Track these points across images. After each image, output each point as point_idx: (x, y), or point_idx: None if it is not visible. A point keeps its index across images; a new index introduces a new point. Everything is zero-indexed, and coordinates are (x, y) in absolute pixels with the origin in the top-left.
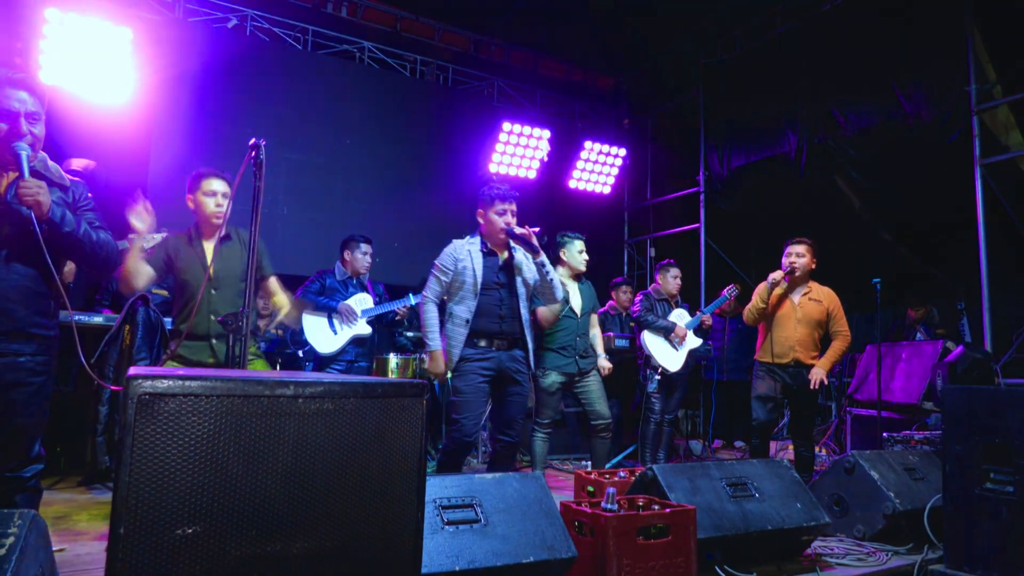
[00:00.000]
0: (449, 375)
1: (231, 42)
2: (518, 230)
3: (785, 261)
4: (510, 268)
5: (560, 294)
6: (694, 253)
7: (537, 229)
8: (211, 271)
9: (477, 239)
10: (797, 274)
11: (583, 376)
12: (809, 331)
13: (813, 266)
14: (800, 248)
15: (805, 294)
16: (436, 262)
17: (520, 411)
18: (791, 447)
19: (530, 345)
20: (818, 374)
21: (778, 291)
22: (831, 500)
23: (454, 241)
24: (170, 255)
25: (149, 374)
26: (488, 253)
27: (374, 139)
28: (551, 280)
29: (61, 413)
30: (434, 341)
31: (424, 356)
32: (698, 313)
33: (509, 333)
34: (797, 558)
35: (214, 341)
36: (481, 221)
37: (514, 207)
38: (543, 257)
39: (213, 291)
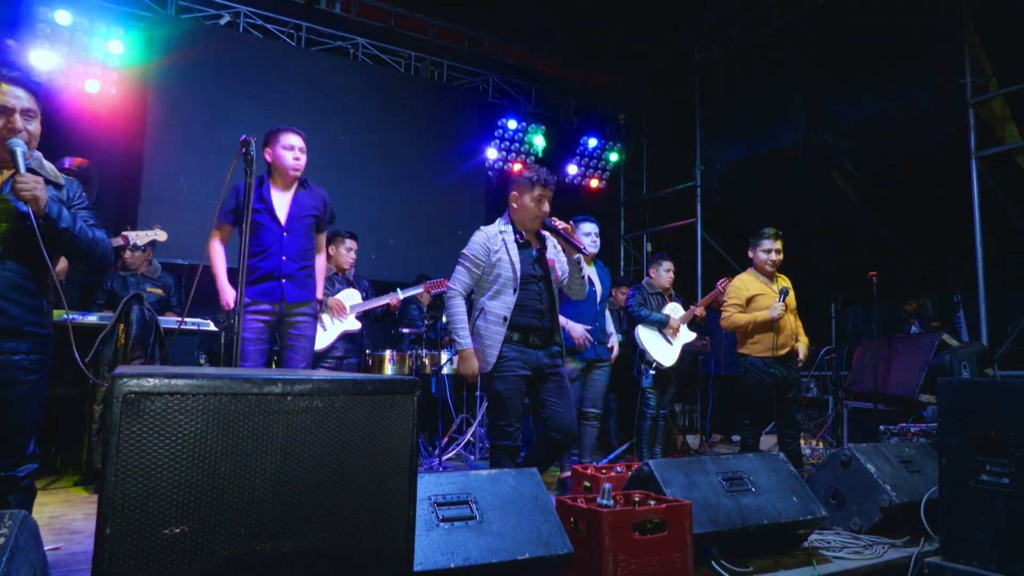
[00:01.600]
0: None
1: (224, 39)
2: (560, 225)
3: (766, 257)
4: (543, 259)
5: (587, 291)
6: (691, 248)
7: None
8: (283, 218)
9: (509, 227)
10: (775, 269)
11: (600, 364)
12: (794, 318)
13: None
14: (779, 244)
15: (780, 283)
16: (466, 252)
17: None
18: (781, 436)
19: (562, 339)
20: (804, 349)
21: (764, 288)
22: (828, 493)
23: (483, 229)
24: (239, 201)
25: (135, 372)
26: (523, 244)
27: (369, 136)
28: (584, 276)
29: (57, 413)
30: (465, 339)
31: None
32: (692, 307)
33: (549, 328)
34: (794, 552)
35: (284, 281)
36: (515, 205)
37: (551, 194)
38: (580, 254)
39: (285, 234)
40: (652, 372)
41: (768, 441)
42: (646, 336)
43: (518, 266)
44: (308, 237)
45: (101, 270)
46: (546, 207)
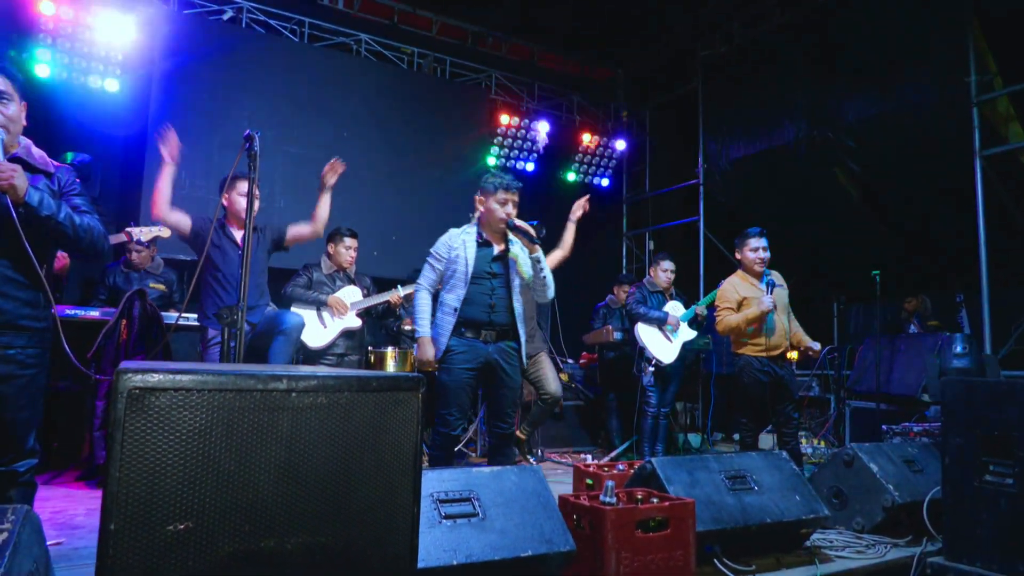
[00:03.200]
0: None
1: (226, 34)
2: (518, 223)
3: (754, 256)
4: (505, 260)
5: (552, 292)
6: (693, 246)
7: (535, 222)
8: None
9: (474, 228)
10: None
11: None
12: (787, 317)
13: None
14: (765, 242)
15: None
16: (431, 250)
17: (511, 402)
18: (780, 437)
19: (522, 338)
20: (816, 344)
21: (754, 290)
22: (830, 493)
23: (450, 229)
24: (200, 228)
25: (139, 368)
26: (483, 243)
27: (371, 132)
28: (544, 276)
29: (59, 407)
30: (423, 327)
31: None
32: (693, 306)
33: (499, 324)
34: (796, 551)
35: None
36: (480, 208)
37: (516, 198)
38: (539, 252)
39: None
40: (652, 369)
41: (767, 440)
42: (646, 333)
43: (471, 262)
44: (256, 283)
45: (95, 257)
46: (510, 209)
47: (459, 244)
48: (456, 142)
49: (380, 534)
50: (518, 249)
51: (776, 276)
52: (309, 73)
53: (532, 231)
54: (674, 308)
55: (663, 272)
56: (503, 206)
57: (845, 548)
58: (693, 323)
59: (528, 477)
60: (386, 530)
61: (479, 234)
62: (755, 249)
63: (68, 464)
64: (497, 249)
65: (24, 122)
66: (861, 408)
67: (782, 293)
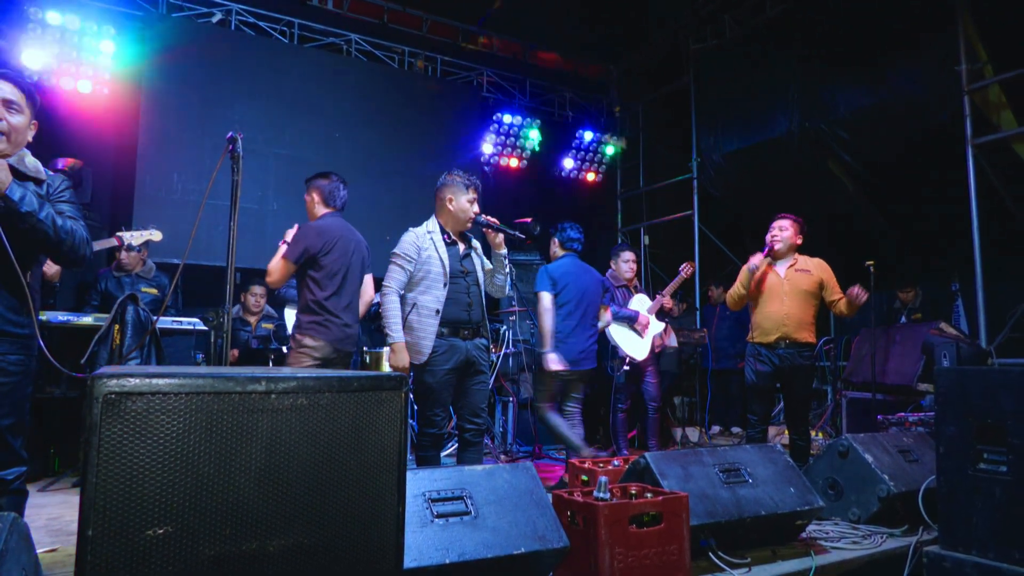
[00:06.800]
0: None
1: (216, 37)
2: (489, 219)
3: (767, 236)
4: (469, 256)
5: (509, 288)
6: (688, 240)
7: (530, 220)
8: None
9: (436, 226)
10: (778, 247)
11: None
12: (799, 304)
13: (798, 241)
14: (784, 223)
15: (791, 266)
16: (397, 251)
17: (485, 398)
18: (787, 432)
19: (489, 333)
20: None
21: (771, 270)
22: (826, 484)
23: (411, 229)
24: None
25: (115, 372)
26: (451, 242)
27: (363, 132)
28: (508, 272)
29: (56, 414)
30: (397, 333)
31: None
32: (657, 296)
33: (476, 322)
34: (792, 542)
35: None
36: (450, 208)
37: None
38: (504, 249)
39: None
40: (626, 368)
41: (770, 432)
42: (617, 332)
43: (447, 262)
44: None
45: (76, 262)
46: (477, 207)
47: (428, 244)
48: (449, 141)
49: (364, 534)
50: (476, 244)
51: (806, 262)
52: (300, 74)
53: (497, 223)
54: (640, 302)
55: (624, 263)
56: (473, 204)
57: (841, 539)
58: (660, 314)
59: (521, 475)
60: (370, 530)
61: (445, 233)
62: (771, 230)
63: (65, 470)
64: (462, 247)
65: (30, 139)
66: (857, 399)
67: (802, 278)
